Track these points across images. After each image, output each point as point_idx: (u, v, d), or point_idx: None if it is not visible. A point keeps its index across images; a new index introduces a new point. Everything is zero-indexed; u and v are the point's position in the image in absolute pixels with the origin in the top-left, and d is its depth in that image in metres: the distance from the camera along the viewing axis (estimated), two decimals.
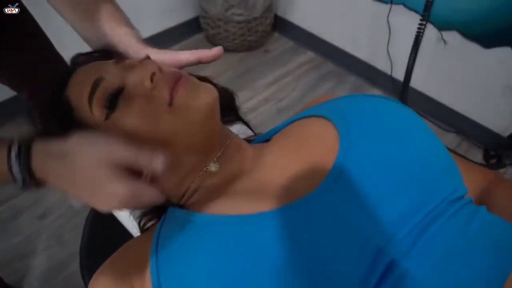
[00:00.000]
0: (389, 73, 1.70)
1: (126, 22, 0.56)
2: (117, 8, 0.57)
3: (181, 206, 0.48)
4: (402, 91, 1.57)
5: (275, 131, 0.55)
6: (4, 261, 1.21)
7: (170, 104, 0.41)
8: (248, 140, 0.59)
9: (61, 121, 0.44)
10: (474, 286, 0.32)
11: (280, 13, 2.02)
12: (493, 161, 1.49)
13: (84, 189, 0.38)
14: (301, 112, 0.54)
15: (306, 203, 0.38)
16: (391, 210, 0.37)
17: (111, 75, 0.44)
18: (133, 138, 0.41)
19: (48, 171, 0.39)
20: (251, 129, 0.68)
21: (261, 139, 0.57)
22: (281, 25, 2.05)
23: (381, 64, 1.71)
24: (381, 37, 1.62)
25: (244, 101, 1.74)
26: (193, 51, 0.48)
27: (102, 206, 0.38)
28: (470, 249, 0.35)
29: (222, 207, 0.42)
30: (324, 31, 1.90)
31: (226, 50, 1.96)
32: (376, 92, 1.79)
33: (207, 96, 0.43)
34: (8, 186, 1.31)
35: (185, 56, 0.48)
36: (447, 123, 1.60)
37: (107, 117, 0.42)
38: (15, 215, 1.33)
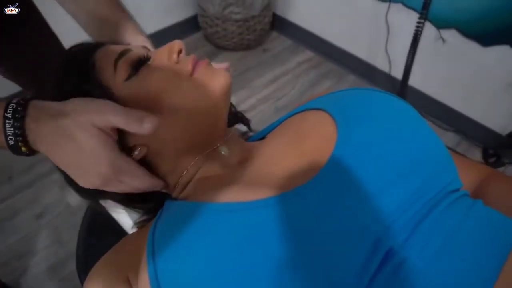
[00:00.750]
0: (387, 71, 1.70)
1: (142, 31, 0.62)
2: (134, 21, 0.63)
3: (176, 199, 0.49)
4: (401, 89, 1.57)
5: (271, 128, 0.55)
6: (1, 260, 1.21)
7: (191, 75, 0.44)
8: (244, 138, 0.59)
9: (79, 78, 0.45)
10: (471, 275, 0.32)
11: (278, 12, 2.02)
12: (492, 160, 1.49)
13: (70, 153, 0.38)
14: (298, 107, 0.54)
15: (305, 190, 0.38)
16: (390, 199, 0.37)
17: (138, 49, 0.48)
18: (147, 101, 0.43)
19: (40, 130, 0.38)
20: (249, 127, 0.68)
21: (257, 137, 0.57)
22: (280, 24, 2.05)
23: (380, 63, 1.71)
24: (380, 36, 1.62)
25: (243, 100, 1.74)
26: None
27: (85, 178, 0.39)
28: (467, 239, 0.35)
29: (219, 196, 0.42)
30: (322, 30, 1.89)
31: (224, 48, 1.96)
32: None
33: (224, 79, 0.45)
34: (4, 186, 1.30)
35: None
36: (446, 122, 1.60)
37: (128, 77, 0.44)
38: (12, 214, 1.33)
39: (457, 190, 0.41)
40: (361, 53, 1.78)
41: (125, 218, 0.69)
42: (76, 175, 0.40)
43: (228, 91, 0.45)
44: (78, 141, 0.37)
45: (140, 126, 0.38)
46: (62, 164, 0.40)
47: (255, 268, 0.33)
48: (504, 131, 1.44)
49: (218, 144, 0.48)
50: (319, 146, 0.43)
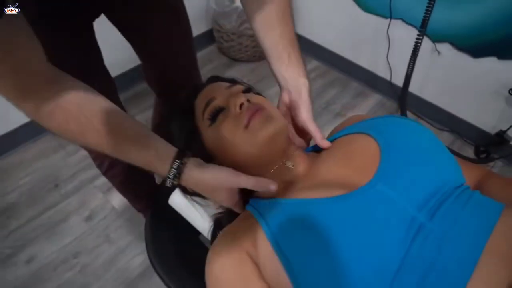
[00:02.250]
0: (389, 79, 1.89)
1: (305, 73, 0.74)
2: (297, 57, 0.75)
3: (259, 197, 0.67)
4: (402, 95, 1.76)
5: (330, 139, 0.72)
6: (60, 258, 1.36)
7: (246, 127, 0.62)
8: None
9: (185, 122, 0.68)
10: (472, 237, 0.50)
11: None
12: (483, 156, 1.69)
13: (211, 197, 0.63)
14: (343, 129, 0.71)
15: (365, 190, 0.55)
16: (418, 194, 0.54)
17: (220, 97, 0.67)
18: (221, 142, 0.64)
19: (188, 183, 0.60)
20: None
21: (310, 149, 0.75)
22: None
23: (382, 71, 1.90)
24: (381, 47, 1.81)
25: None
26: (317, 132, 0.70)
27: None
28: (470, 215, 0.52)
29: (296, 195, 0.59)
30: (328, 41, 2.07)
31: (239, 60, 2.14)
32: (376, 96, 1.98)
33: (272, 128, 0.62)
34: (52, 193, 1.46)
35: (312, 128, 0.70)
36: (442, 123, 1.80)
37: (210, 124, 0.65)
38: (64, 218, 1.48)
39: (462, 185, 0.59)
40: (364, 62, 1.96)
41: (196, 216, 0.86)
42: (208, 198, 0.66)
43: (275, 136, 0.62)
44: (217, 195, 0.62)
45: (268, 189, 0.58)
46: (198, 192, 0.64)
47: (323, 238, 0.51)
48: (493, 131, 1.64)
49: (284, 160, 0.66)
50: (367, 162, 0.60)
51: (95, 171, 1.61)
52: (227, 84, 0.72)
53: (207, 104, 0.67)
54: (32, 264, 1.35)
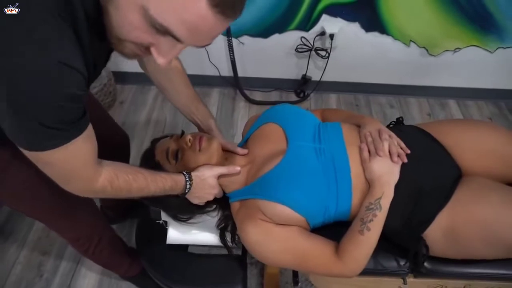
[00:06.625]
0: (218, 74, 2.39)
1: (210, 115, 1.14)
2: (202, 106, 1.14)
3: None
4: (235, 81, 2.31)
5: (246, 138, 1.15)
6: None
7: (200, 150, 0.99)
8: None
9: (158, 167, 1.00)
10: (338, 142, 1.04)
11: (114, 69, 2.38)
12: (302, 95, 2.43)
13: (207, 193, 0.99)
14: (249, 130, 1.15)
15: (291, 149, 1.00)
16: (309, 134, 1.05)
17: (171, 145, 1.01)
18: (188, 167, 0.98)
19: (196, 182, 0.96)
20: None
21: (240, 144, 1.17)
22: (119, 77, 2.42)
23: (211, 71, 2.38)
24: (202, 55, 2.27)
25: (141, 150, 2.08)
26: (233, 145, 1.10)
27: (206, 199, 1.00)
28: (332, 132, 1.06)
29: (259, 174, 1.00)
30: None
31: None
32: (216, 90, 2.47)
33: (215, 143, 1.01)
34: None
35: (230, 147, 1.09)
36: (268, 86, 2.45)
37: (176, 162, 0.99)
38: None
39: (320, 122, 1.13)
40: (194, 71, 2.38)
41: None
42: (203, 199, 1.00)
43: (218, 148, 1.01)
44: (209, 183, 0.97)
45: (235, 170, 0.99)
46: (197, 198, 0.99)
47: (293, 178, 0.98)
48: (298, 77, 2.38)
49: (226, 163, 1.07)
50: (278, 136, 1.06)
51: (38, 285, 1.59)
52: (168, 137, 1.07)
53: (167, 153, 1.00)
54: None
